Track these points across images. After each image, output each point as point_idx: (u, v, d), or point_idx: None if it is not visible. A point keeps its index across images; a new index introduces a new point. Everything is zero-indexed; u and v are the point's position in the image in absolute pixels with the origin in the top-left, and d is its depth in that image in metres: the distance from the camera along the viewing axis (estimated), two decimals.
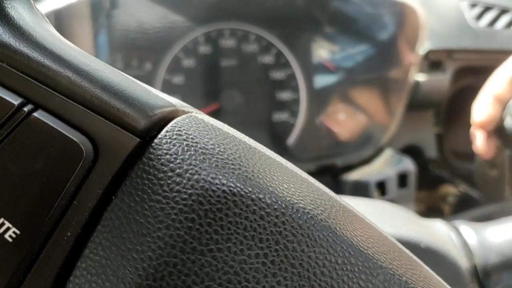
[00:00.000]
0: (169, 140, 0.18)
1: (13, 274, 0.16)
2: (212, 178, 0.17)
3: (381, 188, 0.64)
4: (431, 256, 0.36)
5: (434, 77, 0.70)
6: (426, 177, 0.75)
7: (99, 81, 0.18)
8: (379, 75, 0.67)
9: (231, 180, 0.17)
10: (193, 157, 0.17)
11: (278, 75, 0.63)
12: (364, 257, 0.18)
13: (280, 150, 0.64)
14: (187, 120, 0.19)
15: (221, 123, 0.20)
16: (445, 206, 0.79)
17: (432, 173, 0.77)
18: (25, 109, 0.17)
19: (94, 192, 0.17)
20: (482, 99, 0.56)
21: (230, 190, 0.17)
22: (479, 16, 0.75)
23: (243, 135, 0.20)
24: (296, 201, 0.18)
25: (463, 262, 0.38)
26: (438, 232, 0.40)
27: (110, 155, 0.17)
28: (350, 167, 0.67)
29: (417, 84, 0.70)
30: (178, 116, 0.19)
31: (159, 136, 0.18)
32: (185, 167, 0.17)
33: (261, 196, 0.17)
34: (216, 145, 0.18)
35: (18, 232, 0.16)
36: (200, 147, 0.18)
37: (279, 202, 0.17)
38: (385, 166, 0.66)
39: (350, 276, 0.17)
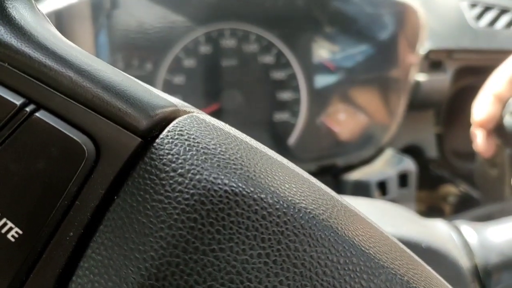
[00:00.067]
0: (170, 140, 0.18)
1: (16, 274, 0.16)
2: (214, 178, 0.17)
3: (382, 188, 0.64)
4: (432, 256, 0.36)
5: (435, 77, 0.71)
6: (427, 177, 0.75)
7: (101, 81, 0.18)
8: (379, 75, 0.67)
9: (233, 180, 0.17)
10: (195, 157, 0.17)
11: (278, 75, 0.63)
12: (366, 257, 0.18)
13: (281, 150, 0.64)
14: (188, 120, 0.19)
15: (223, 123, 0.20)
16: (445, 206, 0.79)
17: (432, 173, 0.77)
18: (27, 109, 0.17)
19: (96, 192, 0.17)
20: (482, 98, 0.56)
21: (232, 190, 0.17)
22: (479, 16, 0.75)
23: (244, 135, 0.20)
24: (297, 201, 0.18)
25: (464, 262, 0.38)
26: (439, 232, 0.40)
27: (112, 155, 0.17)
28: (350, 167, 0.67)
29: (417, 84, 0.70)
30: (179, 116, 0.19)
31: (161, 136, 0.18)
32: (187, 167, 0.17)
33: (263, 196, 0.17)
34: (218, 145, 0.18)
35: (20, 232, 0.16)
36: (201, 147, 0.18)
37: (281, 202, 0.17)
38: (385, 166, 0.66)
39: (352, 276, 0.17)
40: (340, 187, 0.65)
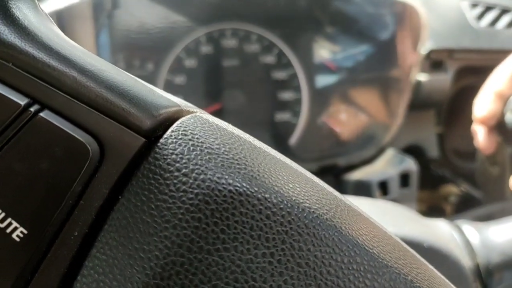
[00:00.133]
0: (174, 140, 0.18)
1: (21, 273, 0.16)
2: (218, 177, 0.17)
3: (383, 187, 0.64)
4: (434, 256, 0.36)
5: (436, 77, 0.71)
6: (428, 176, 0.75)
7: (104, 81, 0.18)
8: (380, 75, 0.67)
9: (237, 179, 0.17)
10: (199, 157, 0.17)
11: (280, 75, 0.63)
12: (370, 256, 0.18)
13: (282, 150, 0.64)
14: (192, 120, 0.19)
15: (226, 123, 0.20)
16: (446, 206, 0.79)
17: (433, 173, 0.77)
18: (32, 109, 0.17)
19: (100, 191, 0.17)
20: (483, 96, 0.57)
21: (236, 190, 0.17)
22: (480, 16, 0.75)
23: (247, 135, 0.20)
24: (301, 200, 0.18)
25: (466, 262, 0.38)
26: (440, 232, 0.40)
27: (116, 155, 0.17)
28: (352, 167, 0.67)
29: (418, 83, 0.70)
30: (183, 116, 0.19)
31: (165, 136, 0.18)
32: (191, 167, 0.17)
33: (267, 195, 0.17)
34: (222, 145, 0.18)
35: (25, 231, 0.16)
36: (205, 147, 0.18)
37: (285, 202, 0.17)
38: (387, 165, 0.66)
39: (356, 275, 0.17)
40: (341, 187, 0.66)
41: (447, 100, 0.75)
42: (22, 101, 0.17)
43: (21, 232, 0.16)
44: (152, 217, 0.16)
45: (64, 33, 0.20)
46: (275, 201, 0.17)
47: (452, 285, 0.21)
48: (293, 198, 0.18)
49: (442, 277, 0.21)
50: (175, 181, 0.17)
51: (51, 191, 0.17)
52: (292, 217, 0.17)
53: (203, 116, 0.19)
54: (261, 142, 0.20)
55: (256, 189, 0.17)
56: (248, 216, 0.17)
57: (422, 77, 0.70)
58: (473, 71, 0.74)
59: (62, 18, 0.59)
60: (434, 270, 0.21)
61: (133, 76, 0.19)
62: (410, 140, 0.74)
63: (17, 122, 0.17)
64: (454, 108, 0.76)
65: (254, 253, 0.16)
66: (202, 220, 0.16)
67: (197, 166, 0.17)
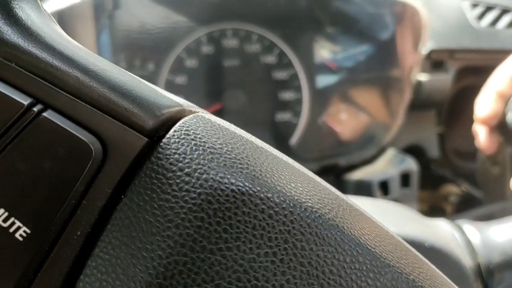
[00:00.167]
0: (177, 140, 0.18)
1: (24, 272, 0.16)
2: (220, 177, 0.17)
3: (384, 187, 0.64)
4: (435, 255, 0.36)
5: (436, 77, 0.71)
6: (428, 176, 0.75)
7: (107, 81, 0.18)
8: (381, 75, 0.67)
9: (239, 179, 0.17)
10: (202, 156, 0.17)
11: (280, 75, 0.63)
12: (372, 255, 0.18)
13: (283, 150, 0.63)
14: (194, 120, 0.19)
15: (228, 123, 0.20)
16: (447, 206, 0.79)
17: (434, 173, 0.77)
18: (35, 109, 0.17)
19: (103, 191, 0.17)
20: (484, 96, 0.57)
21: (239, 189, 0.17)
22: (481, 16, 0.75)
23: (249, 134, 0.20)
24: (304, 200, 0.18)
25: (467, 261, 0.38)
26: (441, 231, 0.40)
27: (119, 155, 0.17)
28: (352, 167, 0.67)
29: (419, 83, 0.70)
30: (185, 116, 0.19)
31: (167, 135, 0.18)
32: (193, 166, 0.17)
33: (269, 195, 0.17)
34: (224, 145, 0.18)
35: (28, 231, 0.16)
36: (208, 147, 0.18)
37: (287, 201, 0.17)
38: (387, 165, 0.66)
39: (358, 274, 0.17)
40: (342, 187, 0.66)
41: (448, 100, 0.75)
42: (25, 101, 0.17)
43: (24, 231, 0.16)
44: (155, 216, 0.16)
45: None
46: (277, 200, 0.17)
47: (453, 285, 0.21)
48: (296, 197, 0.18)
49: (444, 276, 0.21)
50: (177, 181, 0.17)
51: (54, 191, 0.17)
52: (295, 217, 0.17)
53: (206, 116, 0.19)
54: (263, 142, 0.20)
55: (258, 188, 0.17)
56: (250, 216, 0.17)
57: (423, 77, 0.70)
58: (473, 71, 0.74)
59: (63, 18, 0.59)
60: (436, 269, 0.21)
61: (135, 76, 0.19)
62: (411, 140, 0.74)
63: (20, 122, 0.17)
64: (455, 108, 0.76)
65: (256, 253, 0.16)
66: (205, 220, 0.16)
67: (199, 166, 0.17)
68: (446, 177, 0.78)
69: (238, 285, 0.16)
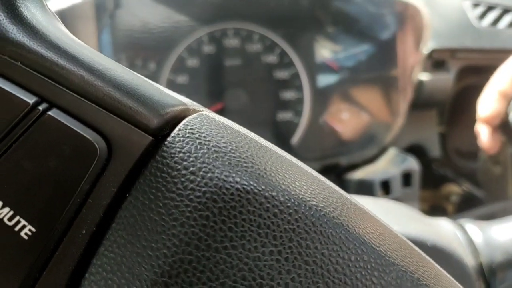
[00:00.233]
0: (182, 139, 0.18)
1: (29, 271, 0.16)
2: (225, 176, 0.17)
3: (385, 187, 0.64)
4: (438, 254, 0.36)
5: (438, 77, 0.71)
6: (430, 176, 0.75)
7: (112, 80, 0.18)
8: (382, 75, 0.67)
9: (244, 178, 0.17)
10: (206, 155, 0.17)
11: (282, 74, 0.63)
12: (377, 254, 0.18)
13: (284, 150, 0.63)
14: (199, 119, 0.19)
15: (232, 122, 0.20)
16: (448, 205, 0.79)
17: (435, 172, 0.77)
18: (40, 107, 0.17)
19: (108, 190, 0.17)
20: (487, 95, 0.57)
21: (244, 188, 0.17)
22: (482, 15, 0.75)
23: (253, 133, 0.20)
24: (308, 198, 0.18)
25: (469, 260, 0.38)
26: (444, 231, 0.40)
27: (124, 154, 0.17)
28: (354, 166, 0.67)
29: (420, 83, 0.70)
30: (189, 114, 0.19)
31: (172, 134, 0.18)
32: (198, 165, 0.17)
33: (274, 194, 0.17)
34: (228, 143, 0.18)
35: (33, 229, 0.16)
36: (212, 146, 0.18)
37: (292, 200, 0.17)
38: (389, 165, 0.66)
39: (363, 273, 0.17)
40: (343, 186, 0.66)
41: (449, 99, 0.75)
42: (30, 99, 0.17)
43: (30, 230, 0.16)
44: (160, 215, 0.17)
45: None
46: (282, 199, 0.17)
47: (457, 284, 0.21)
48: (300, 196, 0.18)
49: (448, 275, 0.21)
50: (182, 179, 0.17)
51: (59, 189, 0.17)
52: (299, 215, 0.17)
53: (210, 115, 0.19)
54: (267, 141, 0.20)
55: (263, 187, 0.17)
56: (255, 214, 0.17)
57: (424, 76, 0.70)
58: (475, 70, 0.74)
59: (64, 18, 0.59)
60: (440, 268, 0.21)
61: (139, 75, 0.19)
62: (412, 140, 0.74)
63: (25, 120, 0.17)
64: (456, 107, 0.76)
65: (261, 251, 0.16)
66: (210, 218, 0.16)
67: (204, 165, 0.17)
68: (448, 176, 0.78)
69: (243, 283, 0.16)
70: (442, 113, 0.76)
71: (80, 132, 0.17)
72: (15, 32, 0.18)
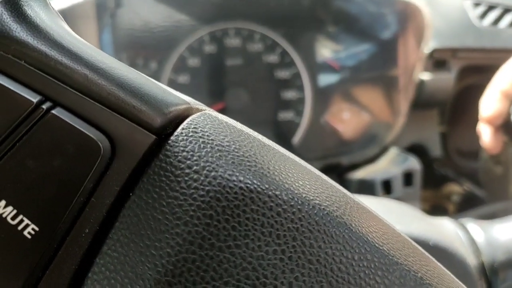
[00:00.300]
0: (185, 138, 0.18)
1: (32, 270, 0.16)
2: (229, 175, 0.17)
3: (387, 186, 0.64)
4: (440, 254, 0.36)
5: (439, 76, 0.71)
6: (431, 175, 0.75)
7: (115, 79, 0.18)
8: (383, 74, 0.67)
9: (247, 177, 0.17)
10: (210, 154, 0.17)
11: (283, 74, 0.63)
12: (380, 253, 0.18)
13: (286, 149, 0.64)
14: (202, 118, 0.19)
15: (234, 121, 0.20)
16: (449, 205, 0.79)
17: (436, 172, 0.77)
18: (44, 106, 0.17)
19: (111, 189, 0.17)
20: (489, 95, 0.57)
21: (247, 187, 0.17)
22: (483, 15, 0.75)
23: (256, 133, 0.20)
24: (312, 197, 0.18)
25: (471, 260, 0.38)
26: (446, 230, 0.40)
27: (127, 152, 0.17)
28: (355, 166, 0.67)
29: (421, 83, 0.70)
30: (192, 113, 0.19)
31: (175, 133, 0.18)
32: (202, 164, 0.17)
33: (277, 192, 0.17)
34: (232, 142, 0.18)
35: (36, 228, 0.16)
36: (216, 144, 0.18)
37: (296, 199, 0.17)
38: (390, 164, 0.66)
39: (366, 272, 0.17)
40: (344, 186, 0.65)
41: (450, 99, 0.75)
42: (34, 98, 0.17)
43: (33, 229, 0.16)
44: (163, 214, 0.16)
45: None
46: (285, 198, 0.17)
47: (460, 283, 0.21)
48: (304, 195, 0.18)
49: (451, 274, 0.21)
50: (186, 178, 0.17)
51: (62, 188, 0.17)
52: (303, 214, 0.17)
53: (213, 114, 0.19)
54: (269, 140, 0.20)
55: (266, 186, 0.17)
56: (259, 213, 0.17)
57: (425, 76, 0.70)
58: (476, 70, 0.74)
59: (65, 18, 0.59)
60: (443, 267, 0.21)
61: (142, 74, 0.19)
62: (413, 139, 0.74)
63: (29, 119, 0.17)
64: (458, 107, 0.76)
65: (265, 250, 0.16)
66: (214, 217, 0.16)
67: (208, 163, 0.17)
68: (449, 176, 0.78)
69: (247, 282, 0.16)
70: (443, 112, 0.76)
71: (84, 131, 0.17)
72: (19, 31, 0.18)
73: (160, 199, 0.17)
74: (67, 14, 0.59)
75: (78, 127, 0.17)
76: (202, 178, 0.17)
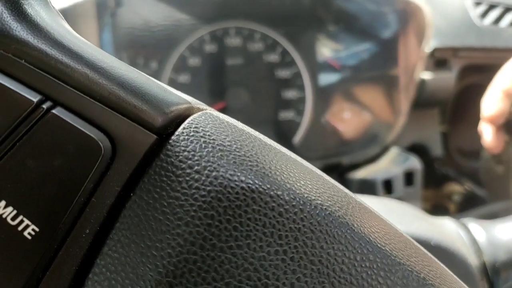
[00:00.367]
0: (186, 137, 0.18)
1: (33, 271, 0.16)
2: (230, 175, 0.17)
3: (388, 186, 0.63)
4: (441, 254, 0.36)
5: (440, 75, 0.70)
6: (432, 175, 0.75)
7: (116, 78, 0.18)
8: (384, 73, 0.67)
9: (249, 177, 0.17)
10: (211, 154, 0.17)
11: (283, 73, 0.63)
12: (382, 253, 0.18)
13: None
14: (203, 117, 0.19)
15: (236, 121, 0.20)
16: (450, 204, 0.79)
17: (437, 172, 0.77)
18: (44, 106, 0.17)
19: (112, 189, 0.17)
20: (491, 94, 0.57)
21: (249, 187, 0.17)
22: (484, 14, 0.75)
23: (257, 132, 0.20)
24: (313, 197, 0.18)
25: (473, 260, 0.38)
26: (447, 230, 0.40)
27: (128, 152, 0.17)
28: (356, 166, 0.66)
29: (422, 82, 0.70)
30: (194, 113, 0.19)
31: (176, 133, 0.18)
32: (203, 164, 0.17)
33: (279, 192, 0.17)
34: (233, 142, 0.18)
35: (37, 229, 0.16)
36: (217, 144, 0.18)
37: (297, 199, 0.17)
38: (391, 164, 0.66)
39: (369, 272, 0.17)
40: (345, 186, 0.65)
41: (451, 98, 0.75)
42: (34, 98, 0.17)
43: (33, 229, 0.16)
44: (164, 214, 0.16)
45: None
46: (287, 198, 0.17)
47: (462, 283, 0.21)
48: (305, 195, 0.18)
49: (453, 275, 0.21)
50: (187, 178, 0.17)
51: (63, 189, 0.17)
52: (305, 214, 0.17)
53: (214, 113, 0.19)
54: (271, 140, 0.20)
55: (268, 186, 0.17)
56: (260, 213, 0.17)
57: (426, 75, 0.70)
58: (477, 69, 0.74)
59: (66, 17, 0.59)
60: (445, 268, 0.21)
61: (143, 73, 0.19)
62: (414, 139, 0.74)
63: (29, 119, 0.17)
64: (458, 106, 0.76)
65: (267, 251, 0.16)
66: (215, 218, 0.16)
67: (209, 163, 0.17)
68: (450, 175, 0.78)
69: (248, 283, 0.16)
70: (444, 112, 0.76)
71: (84, 130, 0.17)
72: (19, 30, 0.18)
73: (161, 199, 0.17)
74: (68, 13, 0.59)
75: (78, 126, 0.17)
76: (203, 178, 0.17)
